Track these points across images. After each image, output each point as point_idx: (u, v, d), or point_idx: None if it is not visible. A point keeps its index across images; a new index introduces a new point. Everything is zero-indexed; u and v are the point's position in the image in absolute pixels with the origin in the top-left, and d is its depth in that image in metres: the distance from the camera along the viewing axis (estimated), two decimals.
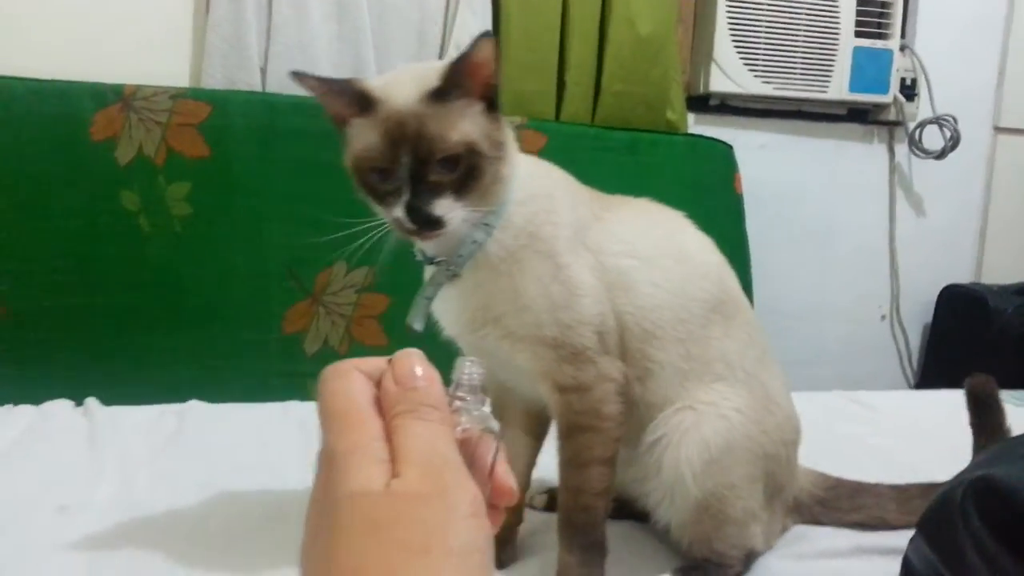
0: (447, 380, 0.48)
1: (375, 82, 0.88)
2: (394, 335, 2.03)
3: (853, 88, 2.67)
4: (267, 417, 1.31)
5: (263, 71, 2.10)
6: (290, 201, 2.01)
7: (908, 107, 2.79)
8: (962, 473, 0.84)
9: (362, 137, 0.86)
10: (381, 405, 0.45)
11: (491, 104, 0.87)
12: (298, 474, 1.10)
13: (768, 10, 2.56)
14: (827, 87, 2.65)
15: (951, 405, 1.62)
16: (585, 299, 0.90)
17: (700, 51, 2.58)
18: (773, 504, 0.98)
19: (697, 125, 2.61)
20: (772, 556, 0.97)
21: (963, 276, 3.01)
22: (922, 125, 2.80)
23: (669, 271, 0.96)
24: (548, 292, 0.89)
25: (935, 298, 2.94)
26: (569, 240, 0.92)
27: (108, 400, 1.53)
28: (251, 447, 1.19)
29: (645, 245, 0.97)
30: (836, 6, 2.61)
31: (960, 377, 2.80)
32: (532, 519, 1.03)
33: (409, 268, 2.04)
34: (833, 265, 2.79)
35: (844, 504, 1.07)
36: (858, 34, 2.65)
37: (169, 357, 1.88)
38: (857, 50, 2.65)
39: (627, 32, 2.34)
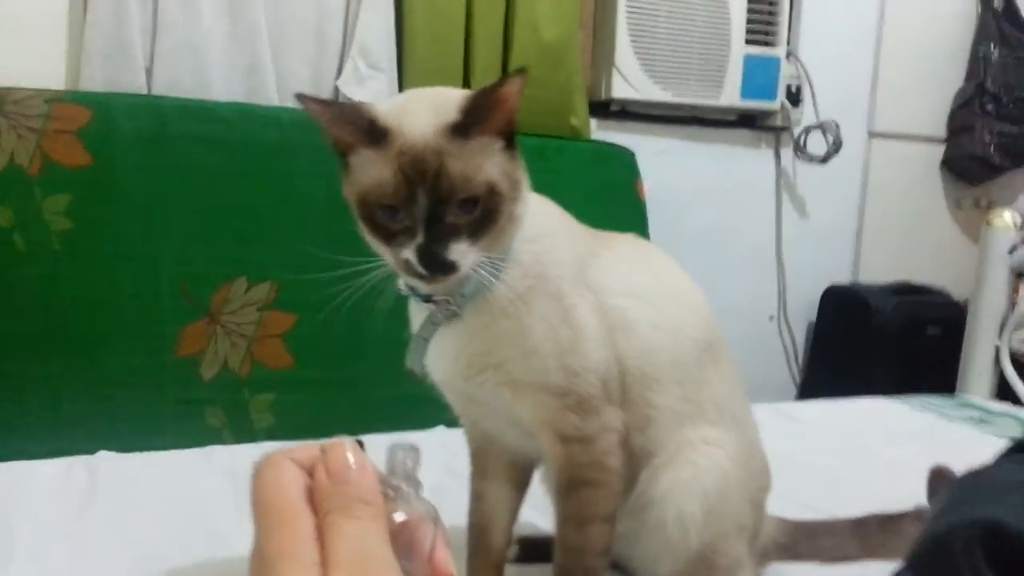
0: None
1: (385, 109, 0.80)
2: (301, 355, 1.93)
3: (744, 95, 2.74)
4: (189, 466, 1.19)
5: (148, 72, 1.94)
6: (182, 212, 1.87)
7: (793, 113, 2.89)
8: (950, 509, 0.84)
9: (372, 171, 0.77)
10: (313, 499, 0.45)
11: (509, 141, 0.81)
12: (238, 535, 1.01)
13: (666, 17, 2.58)
14: (720, 93, 2.71)
15: (872, 414, 1.70)
16: (591, 343, 0.85)
17: (601, 57, 2.58)
18: (752, 552, 0.97)
19: (598, 131, 2.61)
20: None
21: (843, 276, 3.16)
22: (807, 131, 2.91)
23: (665, 310, 0.92)
24: (556, 336, 0.83)
25: (818, 298, 3.07)
26: (573, 280, 0.86)
27: None
28: (179, 505, 1.06)
29: (641, 283, 0.93)
30: (727, 14, 2.67)
31: (843, 375, 2.96)
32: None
33: (315, 284, 1.96)
34: (727, 268, 2.86)
35: (804, 548, 1.06)
36: (748, 41, 2.72)
37: (51, 388, 1.71)
38: (748, 58, 2.72)
39: (531, 37, 2.30)
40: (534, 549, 1.04)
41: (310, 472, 0.45)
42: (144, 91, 1.93)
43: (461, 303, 0.83)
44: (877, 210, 3.21)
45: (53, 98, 1.76)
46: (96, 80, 1.87)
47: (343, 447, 0.46)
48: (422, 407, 1.64)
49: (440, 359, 0.87)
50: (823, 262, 3.11)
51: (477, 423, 0.94)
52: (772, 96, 2.81)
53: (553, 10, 2.33)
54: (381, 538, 0.44)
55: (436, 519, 0.47)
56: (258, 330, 1.91)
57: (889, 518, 1.08)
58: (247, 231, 1.91)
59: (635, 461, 0.91)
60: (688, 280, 0.98)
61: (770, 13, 2.76)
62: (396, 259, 0.78)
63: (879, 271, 3.16)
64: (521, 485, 0.97)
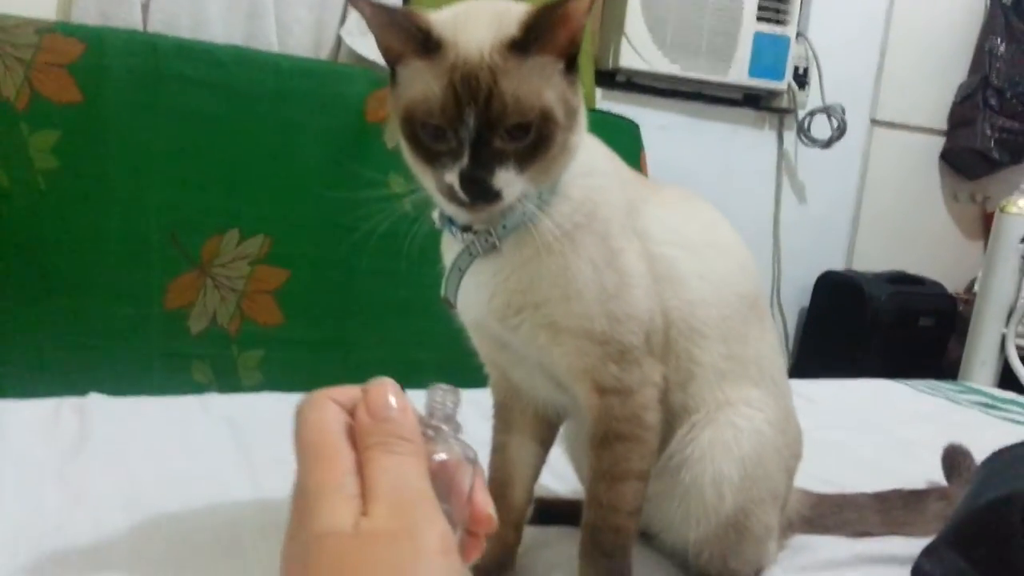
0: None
1: (441, 18, 0.74)
2: (291, 313, 1.86)
3: (752, 73, 2.70)
4: (185, 413, 1.12)
5: (145, 8, 1.86)
6: (174, 157, 1.79)
7: (799, 95, 2.85)
8: (988, 484, 0.82)
9: (420, 84, 0.71)
10: (355, 436, 0.45)
11: (570, 64, 0.74)
12: (240, 484, 0.95)
13: None
14: (728, 70, 2.66)
15: (880, 393, 1.67)
16: (637, 290, 0.80)
17: (610, 24, 2.52)
18: (779, 521, 0.93)
19: (602, 100, 2.55)
20: (776, 569, 0.92)
21: (837, 263, 3.14)
22: (812, 114, 2.87)
23: (713, 263, 0.87)
24: (602, 280, 0.78)
25: (812, 283, 3.05)
26: (621, 223, 0.81)
27: None
28: (176, 452, 0.99)
29: (690, 233, 0.87)
30: None
31: (833, 361, 2.94)
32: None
33: (309, 240, 1.89)
34: None
35: (828, 521, 1.03)
36: (759, 18, 2.67)
37: (32, 332, 1.64)
38: (758, 35, 2.67)
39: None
40: (550, 511, 0.99)
41: (351, 412, 0.46)
42: (139, 27, 1.85)
43: (502, 235, 0.77)
44: (875, 198, 3.19)
45: (44, 28, 1.67)
46: (90, 13, 1.79)
47: (385, 387, 0.46)
48: (410, 371, 1.60)
49: (475, 296, 0.81)
50: (819, 247, 3.09)
51: (506, 372, 0.89)
52: (780, 76, 2.76)
53: None
54: (420, 473, 0.44)
55: (475, 461, 0.47)
56: (249, 285, 1.84)
57: (913, 494, 1.06)
58: (241, 181, 1.84)
59: (672, 418, 0.86)
60: (735, 235, 0.93)
61: None
62: (438, 182, 0.73)
63: (873, 259, 3.14)
64: (546, 441, 0.93)
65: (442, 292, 0.84)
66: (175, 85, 1.78)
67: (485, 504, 0.47)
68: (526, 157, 0.71)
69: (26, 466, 0.92)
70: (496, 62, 0.70)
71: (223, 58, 1.84)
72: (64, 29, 1.71)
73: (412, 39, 0.71)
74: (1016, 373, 1.91)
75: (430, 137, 0.72)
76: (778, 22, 2.71)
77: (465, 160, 0.70)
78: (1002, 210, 1.93)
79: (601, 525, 0.82)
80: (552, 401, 0.89)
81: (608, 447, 0.81)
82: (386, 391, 0.46)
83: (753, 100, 2.85)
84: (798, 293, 3.09)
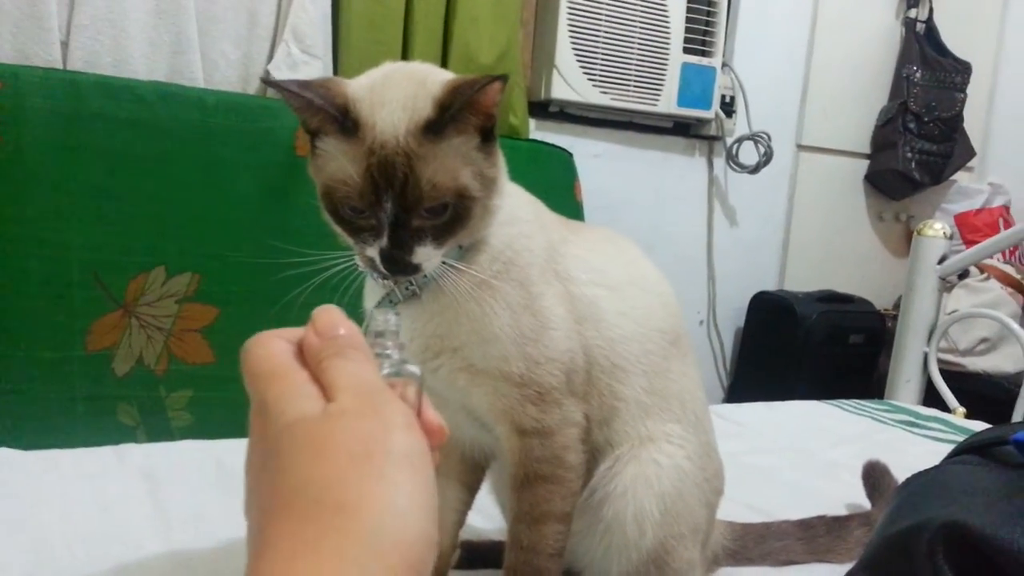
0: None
1: (359, 91, 0.74)
2: (222, 351, 1.83)
3: (681, 103, 2.76)
4: (100, 466, 1.08)
5: (64, 45, 1.81)
6: (95, 196, 1.75)
7: (727, 123, 2.92)
8: (903, 511, 0.83)
9: (339, 164, 0.73)
10: (305, 357, 0.47)
11: (486, 135, 0.76)
12: (155, 543, 0.92)
13: (606, 20, 2.57)
14: (658, 100, 2.71)
15: (808, 416, 1.70)
16: (556, 332, 0.81)
17: (541, 57, 2.55)
18: (703, 556, 0.93)
19: (536, 131, 2.58)
20: None
21: (770, 284, 3.21)
22: (739, 141, 2.94)
23: (634, 300, 0.89)
24: (519, 323, 0.79)
25: (746, 304, 3.10)
26: (542, 268, 0.83)
27: None
28: (89, 511, 0.96)
29: (611, 272, 0.89)
30: (668, 22, 2.67)
31: (769, 380, 2.99)
32: None
33: (239, 276, 1.86)
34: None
35: (753, 552, 1.04)
36: (686, 50, 2.73)
37: None
38: (685, 66, 2.73)
39: (471, 30, 2.26)
40: (478, 554, 0.99)
41: (298, 346, 0.47)
42: (59, 65, 1.80)
43: (423, 283, 0.79)
44: (804, 220, 3.27)
45: None
46: (6, 51, 1.74)
47: (330, 311, 0.48)
48: None
49: None
50: (751, 269, 3.16)
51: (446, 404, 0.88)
52: (707, 105, 2.83)
53: (494, 6, 2.29)
54: (375, 372, 0.46)
55: (419, 376, 0.48)
56: (176, 324, 1.80)
57: (836, 521, 1.07)
58: (167, 219, 1.80)
59: (596, 454, 0.87)
60: (657, 273, 0.94)
61: (707, 23, 2.79)
62: (360, 255, 0.75)
63: (804, 280, 3.22)
64: (472, 486, 0.93)
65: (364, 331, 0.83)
66: (97, 123, 1.74)
67: (435, 416, 0.48)
68: (444, 232, 0.74)
69: None
70: (411, 147, 0.71)
71: (146, 95, 1.81)
72: None
73: (330, 120, 0.72)
74: (938, 390, 1.96)
75: (350, 213, 0.73)
76: (704, 53, 2.79)
77: (385, 240, 0.72)
78: (919, 233, 1.99)
79: (522, 568, 0.82)
80: (478, 443, 0.89)
81: (529, 488, 0.81)
82: (332, 315, 0.48)
83: (683, 128, 2.92)
84: (733, 314, 3.14)
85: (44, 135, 1.70)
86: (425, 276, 0.78)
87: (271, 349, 0.47)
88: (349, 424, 0.43)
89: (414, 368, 0.48)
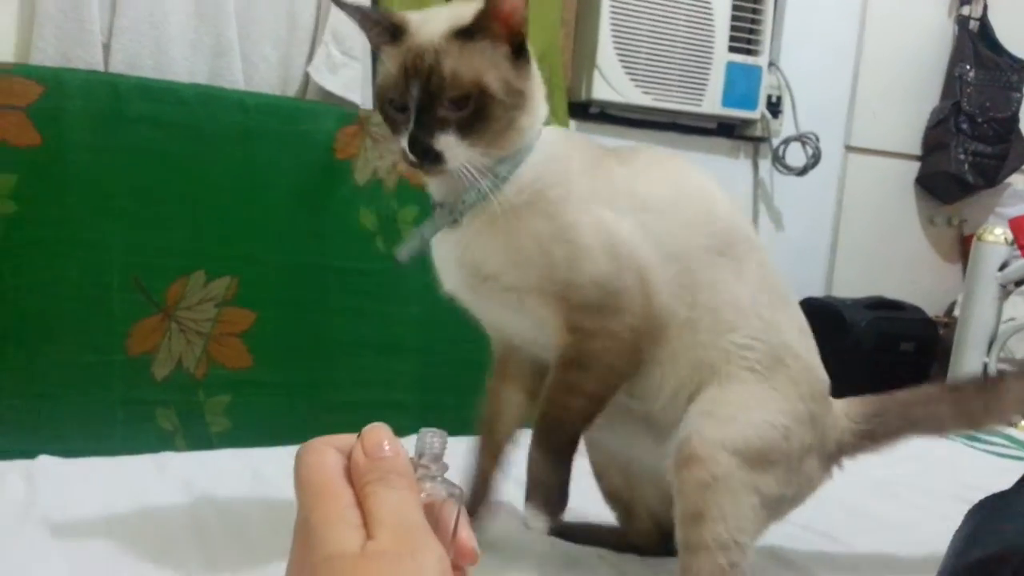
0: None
1: (415, 16, 0.88)
2: (260, 355, 1.81)
3: (725, 103, 2.70)
4: (139, 475, 1.07)
5: (106, 48, 1.81)
6: (137, 199, 1.74)
7: (773, 124, 2.85)
8: (976, 540, 0.78)
9: (385, 67, 0.86)
10: (352, 476, 0.49)
11: (518, 51, 0.86)
12: (192, 550, 0.90)
13: (649, 20, 2.52)
14: (701, 100, 2.66)
15: None
16: (593, 255, 0.87)
17: (583, 57, 2.51)
18: (800, 469, 0.94)
19: (577, 132, 2.54)
20: None
21: (817, 290, 3.12)
22: (786, 142, 2.87)
23: (666, 224, 0.92)
24: (548, 252, 0.87)
25: None
26: (579, 200, 0.89)
27: None
28: (130, 518, 0.94)
29: (655, 195, 0.93)
30: (712, 20, 2.62)
31: None
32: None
33: (277, 280, 1.85)
34: None
35: (892, 424, 1.01)
36: (731, 49, 2.67)
37: None
38: (730, 65, 2.67)
39: None
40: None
41: (347, 456, 0.49)
42: (100, 68, 1.80)
43: (461, 210, 0.88)
44: (852, 224, 3.19)
45: (1, 71, 1.63)
46: (48, 54, 1.75)
47: (379, 431, 0.50)
48: (381, 413, 1.56)
49: (446, 267, 0.93)
50: (798, 274, 3.07)
51: (501, 330, 0.98)
52: (753, 105, 2.77)
53: (534, 7, 2.25)
54: (416, 505, 0.48)
55: (460, 498, 0.50)
56: (215, 327, 1.79)
57: (988, 379, 1.03)
58: (207, 222, 1.79)
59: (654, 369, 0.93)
60: (702, 184, 0.98)
61: (753, 21, 2.72)
62: (397, 148, 0.85)
63: (853, 285, 3.13)
64: (535, 394, 0.98)
65: (396, 251, 0.93)
66: (137, 126, 1.74)
67: (469, 539, 0.51)
68: (467, 126, 0.83)
69: None
70: (441, 45, 0.83)
71: (187, 97, 1.80)
72: (22, 71, 1.67)
73: (384, 31, 0.85)
74: None
75: (391, 109, 0.85)
76: (749, 52, 2.72)
77: (411, 124, 0.82)
78: (979, 238, 1.91)
79: (550, 419, 0.91)
80: (543, 355, 0.95)
81: (566, 371, 0.90)
82: (380, 434, 0.50)
83: (727, 129, 2.85)
84: None
85: (85, 137, 1.70)
86: (464, 201, 0.86)
87: (323, 460, 0.49)
88: (386, 568, 0.44)
89: (455, 489, 0.51)
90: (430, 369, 1.94)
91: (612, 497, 1.10)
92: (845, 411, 1.01)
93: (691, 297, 0.91)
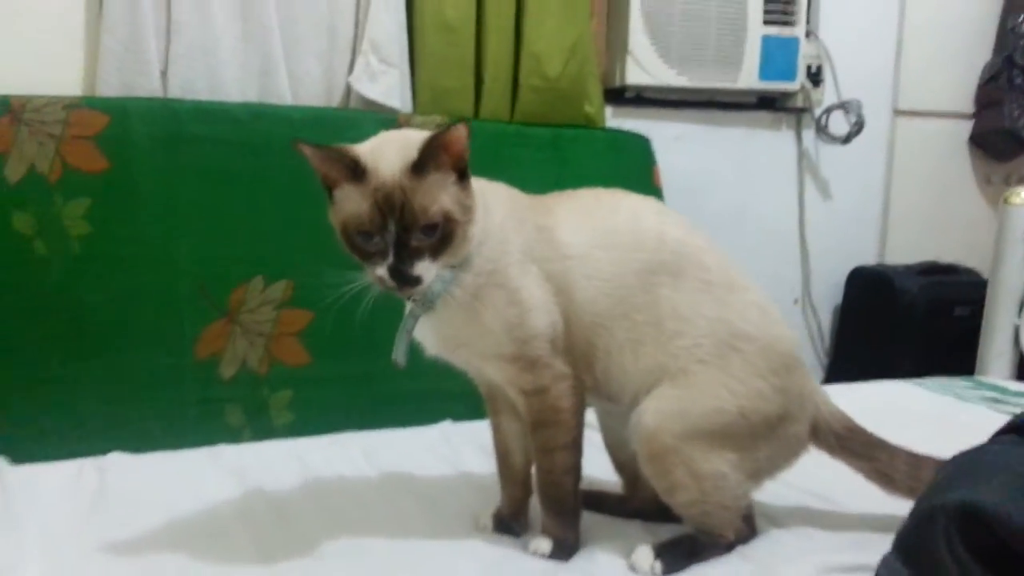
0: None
1: (365, 150, 0.98)
2: (317, 352, 1.95)
3: (763, 76, 2.70)
4: (195, 466, 1.22)
5: (163, 75, 1.96)
6: (199, 213, 1.90)
7: (814, 93, 2.84)
8: (934, 491, 0.84)
9: (352, 203, 0.96)
10: None
11: (462, 175, 0.98)
12: (242, 537, 1.03)
13: (680, 0, 2.55)
14: (738, 76, 2.67)
15: (889, 397, 1.68)
16: (536, 312, 1.04)
17: (615, 43, 2.56)
18: (773, 436, 1.06)
19: (613, 118, 2.59)
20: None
21: (868, 258, 3.11)
22: (828, 111, 2.86)
23: (599, 261, 1.07)
24: (504, 316, 1.03)
25: (844, 280, 3.03)
26: (519, 263, 1.04)
27: (2, 443, 1.42)
28: (186, 505, 1.09)
29: (577, 242, 1.07)
30: None
31: (870, 358, 2.90)
32: None
33: (331, 281, 1.97)
34: (749, 252, 2.74)
35: (858, 449, 1.13)
36: (766, 22, 2.67)
37: (71, 389, 1.75)
38: (765, 39, 2.68)
39: (543, 27, 2.29)
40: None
41: None
42: (159, 94, 1.95)
43: (433, 299, 1.02)
44: (903, 189, 3.15)
45: (71, 104, 1.79)
46: (112, 85, 1.90)
47: None
48: (434, 401, 1.67)
49: (427, 340, 1.09)
50: (848, 243, 3.07)
51: (481, 377, 1.14)
52: (792, 77, 2.76)
53: (564, 2, 2.31)
54: None
55: None
56: (275, 328, 1.93)
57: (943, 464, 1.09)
58: (262, 230, 1.93)
59: (607, 385, 1.09)
60: (636, 215, 1.11)
61: None
62: (372, 275, 0.98)
63: (906, 251, 3.10)
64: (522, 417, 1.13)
65: (392, 355, 1.09)
66: (196, 145, 1.89)
67: None
68: (436, 249, 0.96)
69: (47, 526, 1.03)
70: (405, 182, 0.94)
71: (239, 115, 1.94)
72: (89, 103, 1.83)
73: (346, 169, 0.96)
74: None
75: (363, 241, 0.96)
76: (786, 23, 2.71)
77: (391, 258, 0.94)
78: (1006, 201, 1.91)
79: (546, 482, 1.09)
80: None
81: (537, 431, 1.07)
82: None
83: (767, 102, 2.86)
84: (831, 291, 3.07)
85: (149, 159, 1.85)
86: (431, 294, 1.00)
87: None
88: None
89: None
90: None
91: (620, 468, 1.24)
92: (828, 406, 1.14)
93: (628, 321, 1.06)
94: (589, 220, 1.10)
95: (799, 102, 2.85)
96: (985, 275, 3.01)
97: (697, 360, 1.04)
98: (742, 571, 1.01)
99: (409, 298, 1.04)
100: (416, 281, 0.95)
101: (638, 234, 1.09)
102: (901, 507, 1.16)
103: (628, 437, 1.09)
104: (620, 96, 2.61)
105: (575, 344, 1.06)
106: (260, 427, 1.86)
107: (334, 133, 2.04)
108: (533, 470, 1.14)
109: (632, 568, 1.04)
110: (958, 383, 1.75)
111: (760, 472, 1.09)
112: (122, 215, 1.83)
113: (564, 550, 1.08)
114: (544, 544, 1.08)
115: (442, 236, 0.95)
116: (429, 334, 1.07)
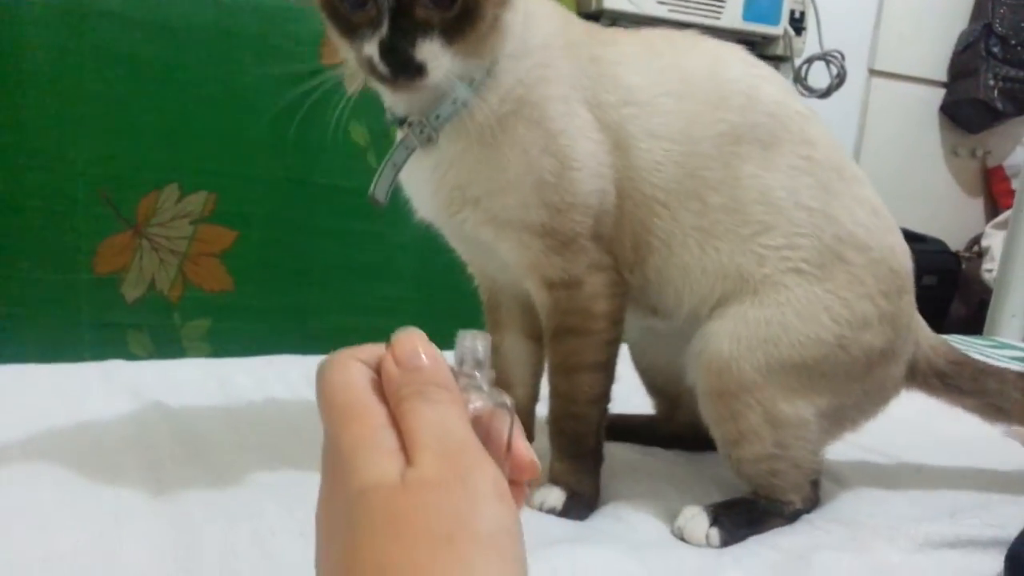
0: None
1: None
2: (241, 277, 1.68)
3: (746, 17, 2.53)
4: (83, 383, 0.97)
5: None
6: (104, 105, 1.58)
7: (796, 41, 2.67)
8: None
9: None
10: (384, 391, 0.42)
11: None
12: (141, 468, 0.79)
13: None
14: (721, 14, 2.48)
15: None
16: (580, 173, 0.76)
17: None
18: (867, 376, 0.84)
19: None
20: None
21: None
22: (809, 61, 2.70)
23: (668, 114, 0.80)
24: (536, 168, 0.75)
25: None
26: (564, 98, 0.76)
27: None
28: (70, 426, 0.85)
29: (644, 85, 0.80)
30: None
31: None
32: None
33: (259, 196, 1.71)
34: None
35: (965, 384, 0.92)
36: None
37: None
38: None
39: None
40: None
41: (376, 369, 0.43)
42: None
43: (436, 126, 0.75)
44: (873, 153, 3.03)
45: None
46: None
47: (412, 337, 0.43)
48: (377, 339, 1.43)
49: (419, 193, 0.81)
50: None
51: (484, 268, 0.89)
52: (775, 20, 2.59)
53: None
54: (463, 420, 0.41)
55: (510, 407, 0.44)
56: (191, 246, 1.65)
57: None
58: (181, 131, 1.64)
59: (655, 290, 0.84)
60: (719, 62, 0.85)
61: None
62: (358, 56, 0.68)
63: None
64: (539, 336, 0.87)
65: (370, 190, 0.79)
66: (102, 22, 1.57)
67: (526, 450, 0.45)
68: (452, 30, 0.67)
69: None
70: None
71: None
72: None
73: None
74: None
75: (348, 6, 0.67)
76: None
77: (384, 29, 0.65)
78: None
79: (562, 414, 0.83)
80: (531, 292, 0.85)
81: (561, 341, 0.80)
82: (414, 341, 0.43)
83: (748, 46, 2.65)
84: None
85: (44, 36, 1.53)
86: (438, 115, 0.72)
87: (349, 377, 0.42)
88: (431, 499, 0.37)
89: (504, 398, 0.44)
90: (426, 295, 1.81)
91: (655, 391, 1.01)
92: (929, 340, 0.92)
93: (698, 202, 0.79)
94: (658, 59, 0.82)
95: (780, 49, 2.67)
96: (952, 246, 2.94)
97: (791, 268, 0.79)
98: (822, 543, 0.78)
99: (404, 121, 0.75)
100: (418, 69, 0.66)
101: (721, 86, 0.82)
102: (970, 455, 1.02)
103: (684, 365, 0.84)
104: (594, 21, 2.37)
105: (623, 227, 0.79)
106: (170, 358, 1.58)
107: (270, 25, 1.76)
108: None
109: (679, 534, 0.79)
110: (981, 342, 1.62)
111: (843, 423, 0.88)
112: (9, 101, 1.51)
113: (580, 504, 0.82)
114: (554, 495, 0.82)
115: (462, 10, 0.66)
116: (425, 181, 0.79)
